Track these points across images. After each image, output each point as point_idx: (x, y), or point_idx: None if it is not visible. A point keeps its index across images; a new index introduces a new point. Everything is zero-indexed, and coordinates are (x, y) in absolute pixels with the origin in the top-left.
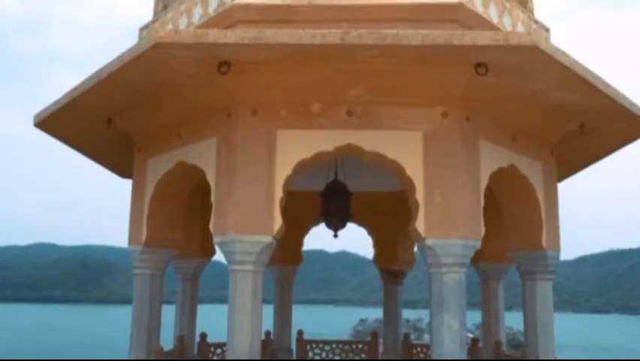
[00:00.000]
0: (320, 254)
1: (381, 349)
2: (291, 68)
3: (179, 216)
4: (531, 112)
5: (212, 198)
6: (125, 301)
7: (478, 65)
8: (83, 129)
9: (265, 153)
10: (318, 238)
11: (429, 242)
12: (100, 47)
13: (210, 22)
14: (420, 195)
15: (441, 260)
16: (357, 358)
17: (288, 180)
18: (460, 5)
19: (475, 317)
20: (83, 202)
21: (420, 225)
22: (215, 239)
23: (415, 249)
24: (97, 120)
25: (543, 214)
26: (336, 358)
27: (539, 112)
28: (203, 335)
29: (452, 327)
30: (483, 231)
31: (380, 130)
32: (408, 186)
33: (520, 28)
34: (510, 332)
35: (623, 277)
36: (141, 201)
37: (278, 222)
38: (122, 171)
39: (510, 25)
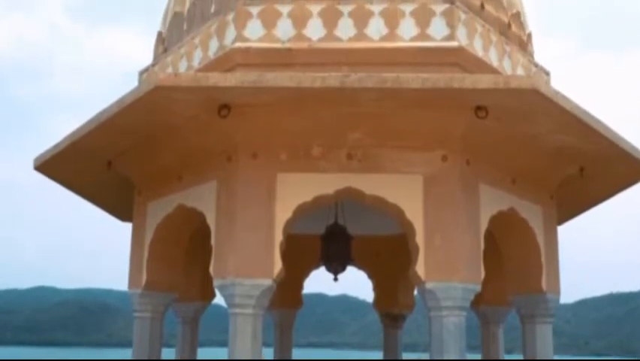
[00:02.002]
0: (320, 298)
1: None
2: (292, 112)
3: (179, 260)
4: (531, 155)
5: (213, 242)
6: (125, 344)
7: (478, 108)
8: (82, 172)
9: (265, 196)
10: (319, 282)
11: (429, 285)
12: (100, 90)
13: (210, 66)
14: (420, 239)
15: (441, 303)
16: None
17: (289, 224)
18: (460, 49)
19: None
20: (83, 246)
21: (420, 268)
22: (215, 282)
23: (415, 292)
24: (97, 163)
25: (543, 258)
26: None
27: (539, 155)
28: None
29: None
30: (483, 274)
31: (380, 173)
32: (408, 229)
33: (520, 72)
34: None
35: (623, 320)
36: (141, 244)
37: (278, 265)
38: (122, 214)
39: (510, 68)
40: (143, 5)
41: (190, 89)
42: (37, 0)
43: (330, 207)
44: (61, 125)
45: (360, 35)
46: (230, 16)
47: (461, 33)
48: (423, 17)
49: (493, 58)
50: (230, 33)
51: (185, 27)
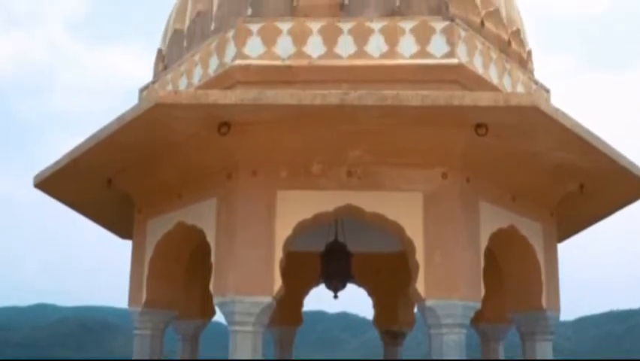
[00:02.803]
0: (320, 315)
1: None
2: (292, 129)
3: (179, 277)
4: (531, 173)
5: (213, 259)
6: None
7: (478, 125)
8: (82, 190)
9: (265, 213)
10: (319, 299)
11: (429, 303)
12: (100, 108)
13: (210, 83)
14: (420, 256)
15: (441, 321)
16: None
17: (288, 241)
18: (461, 66)
19: None
20: (82, 263)
21: (420, 286)
22: (215, 300)
23: (415, 310)
24: (97, 181)
25: (543, 275)
26: None
27: (539, 173)
28: None
29: None
30: (483, 292)
31: (380, 191)
32: (408, 246)
33: (520, 89)
34: None
35: (623, 337)
36: (141, 262)
37: (278, 282)
38: (122, 231)
39: (510, 85)
40: (143, 23)
41: (190, 107)
42: (38, 18)
43: (330, 224)
44: (61, 142)
45: (361, 53)
46: (230, 34)
47: (461, 50)
48: (423, 35)
49: (493, 75)
50: (231, 50)
51: (185, 44)
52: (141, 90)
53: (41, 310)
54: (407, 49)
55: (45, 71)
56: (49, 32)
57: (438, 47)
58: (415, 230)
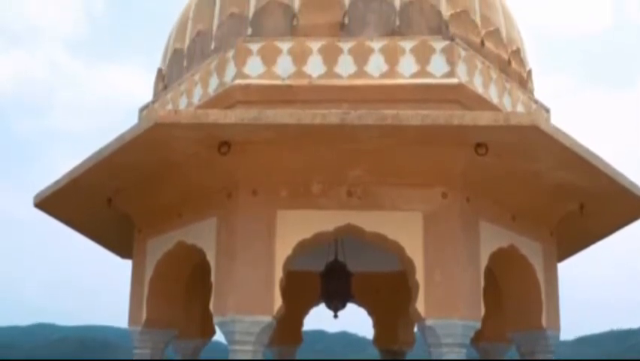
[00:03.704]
0: (320, 334)
1: None
2: (292, 149)
3: (179, 297)
4: (531, 192)
5: (213, 279)
6: None
7: (478, 145)
8: (82, 209)
9: (265, 233)
10: (319, 319)
11: (429, 322)
12: (100, 127)
13: (210, 103)
14: (420, 276)
15: (441, 340)
16: None
17: (289, 261)
18: (461, 86)
19: None
20: (82, 282)
21: (420, 305)
22: (215, 319)
23: (415, 329)
24: (97, 201)
25: (543, 294)
26: None
27: (539, 192)
28: None
29: None
30: (483, 311)
31: (380, 211)
32: (408, 266)
33: (520, 109)
34: None
35: (623, 357)
36: (141, 281)
37: (278, 302)
38: (122, 251)
39: (510, 105)
40: (143, 41)
41: (190, 126)
42: (38, 36)
43: (330, 244)
44: (60, 160)
45: (361, 72)
46: (230, 53)
47: (461, 70)
48: (423, 54)
49: (493, 95)
50: (231, 70)
51: (185, 64)
52: (141, 110)
53: (41, 329)
54: (407, 68)
55: (45, 89)
56: (49, 51)
57: (438, 66)
58: (415, 250)
